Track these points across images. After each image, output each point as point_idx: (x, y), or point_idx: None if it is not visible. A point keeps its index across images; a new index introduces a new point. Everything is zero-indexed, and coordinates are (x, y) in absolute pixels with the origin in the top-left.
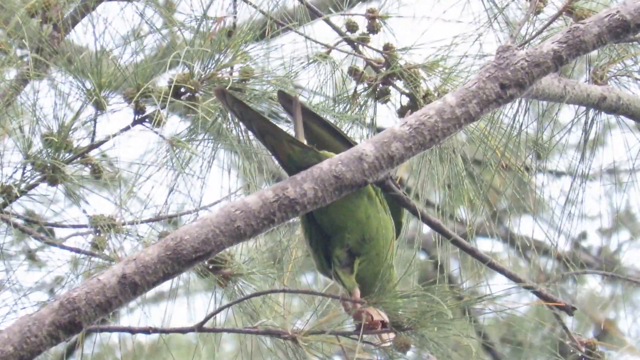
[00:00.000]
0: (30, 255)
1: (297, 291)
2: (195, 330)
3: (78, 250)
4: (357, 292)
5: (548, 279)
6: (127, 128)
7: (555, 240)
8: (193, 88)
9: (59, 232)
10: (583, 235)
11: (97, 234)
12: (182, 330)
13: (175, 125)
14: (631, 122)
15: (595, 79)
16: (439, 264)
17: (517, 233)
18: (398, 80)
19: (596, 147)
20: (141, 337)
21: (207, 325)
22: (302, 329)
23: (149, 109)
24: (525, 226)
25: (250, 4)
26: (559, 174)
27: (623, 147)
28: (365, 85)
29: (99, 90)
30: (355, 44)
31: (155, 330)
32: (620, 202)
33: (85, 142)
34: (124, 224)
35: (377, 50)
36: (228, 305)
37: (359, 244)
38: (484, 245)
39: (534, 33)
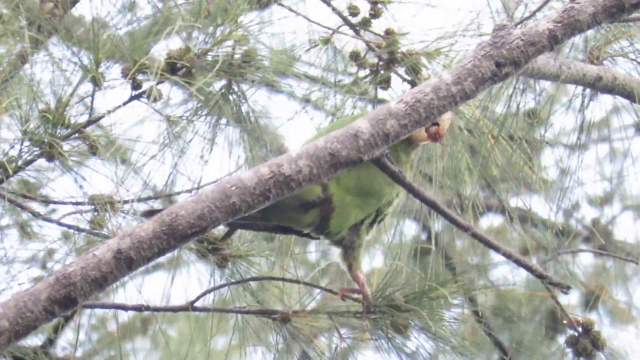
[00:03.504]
0: (23, 229)
1: (298, 282)
2: (188, 309)
3: (76, 228)
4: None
5: (542, 256)
6: (123, 104)
7: (551, 213)
8: (189, 65)
9: (57, 209)
10: (575, 206)
11: (95, 212)
12: (174, 309)
13: (176, 99)
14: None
15: (591, 59)
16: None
17: (509, 204)
18: (400, 67)
19: (592, 127)
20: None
21: (199, 304)
22: (295, 309)
23: (147, 84)
24: (520, 198)
25: None
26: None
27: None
28: (367, 71)
29: (96, 66)
30: (357, 28)
31: (147, 308)
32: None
33: (83, 118)
34: (119, 202)
35: (379, 35)
36: (221, 286)
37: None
38: (483, 220)
39: (530, 12)
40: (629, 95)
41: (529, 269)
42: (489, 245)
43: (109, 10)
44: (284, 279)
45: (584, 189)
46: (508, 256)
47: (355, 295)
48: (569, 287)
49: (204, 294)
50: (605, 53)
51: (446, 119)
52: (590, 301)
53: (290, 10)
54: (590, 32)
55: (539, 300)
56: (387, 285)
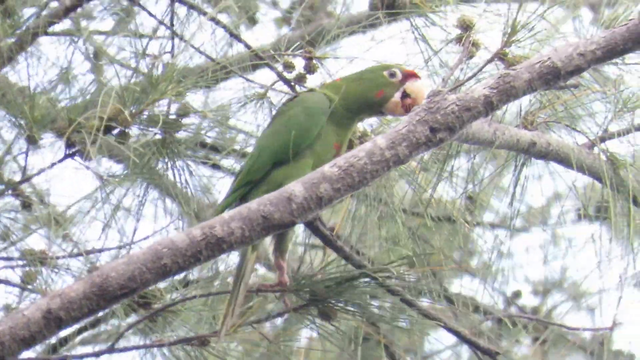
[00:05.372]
0: None
1: (211, 294)
2: (107, 352)
3: (7, 283)
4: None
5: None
6: (56, 163)
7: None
8: (123, 124)
9: None
10: (517, 294)
11: (28, 267)
12: (96, 354)
13: (111, 161)
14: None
15: (525, 124)
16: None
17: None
18: None
19: (525, 193)
20: None
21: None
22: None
23: (82, 144)
24: (458, 283)
25: (187, 42)
26: (493, 227)
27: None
28: None
29: (32, 124)
30: (292, 83)
31: (73, 357)
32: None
33: (17, 176)
34: (52, 258)
35: None
36: (138, 322)
37: None
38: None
39: (466, 78)
40: (562, 161)
41: (458, 335)
42: (417, 308)
43: (46, 70)
44: (202, 296)
45: (524, 271)
46: (438, 321)
47: (273, 289)
48: (497, 353)
49: (121, 334)
50: (540, 118)
51: (422, 91)
52: None
53: (225, 67)
54: (525, 97)
55: None
56: (310, 272)
